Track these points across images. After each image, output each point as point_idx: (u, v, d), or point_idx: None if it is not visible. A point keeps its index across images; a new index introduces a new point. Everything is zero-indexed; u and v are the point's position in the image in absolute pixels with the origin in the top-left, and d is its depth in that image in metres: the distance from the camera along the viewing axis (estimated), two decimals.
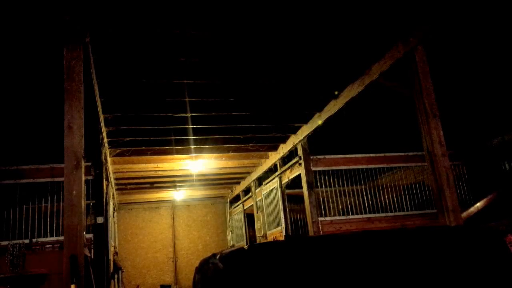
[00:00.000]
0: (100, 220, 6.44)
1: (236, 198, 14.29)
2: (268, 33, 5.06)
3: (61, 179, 4.71)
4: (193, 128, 7.67)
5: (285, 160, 9.46)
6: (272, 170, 10.35)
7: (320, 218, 7.95)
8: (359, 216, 8.07)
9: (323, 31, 5.11)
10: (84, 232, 3.80)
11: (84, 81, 4.08)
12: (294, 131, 8.55)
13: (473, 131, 8.57)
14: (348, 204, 8.12)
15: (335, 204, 8.14)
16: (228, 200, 15.52)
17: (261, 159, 10.61)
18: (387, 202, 8.26)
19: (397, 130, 8.44)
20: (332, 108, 7.14)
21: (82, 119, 3.96)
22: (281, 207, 9.65)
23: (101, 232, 6.56)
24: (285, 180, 9.49)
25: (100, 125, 6.63)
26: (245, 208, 13.28)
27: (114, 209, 11.75)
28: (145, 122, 7.33)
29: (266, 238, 10.74)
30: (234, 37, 5.10)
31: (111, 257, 8.22)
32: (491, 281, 2.02)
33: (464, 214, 5.85)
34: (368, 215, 8.10)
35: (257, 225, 11.53)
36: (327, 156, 8.37)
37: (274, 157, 9.90)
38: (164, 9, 4.39)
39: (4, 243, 6.09)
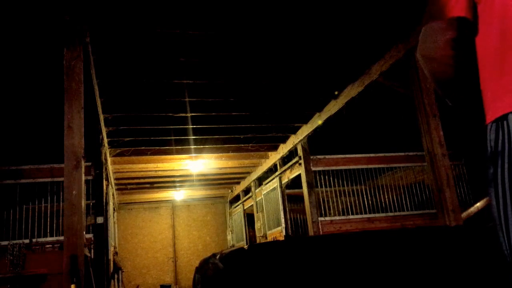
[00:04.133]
0: (100, 220, 6.43)
1: (236, 198, 14.29)
2: (269, 33, 5.06)
3: (61, 179, 4.71)
4: (193, 128, 7.67)
5: (285, 160, 9.46)
6: (272, 170, 10.35)
7: (320, 218, 7.95)
8: (359, 216, 8.07)
9: (323, 31, 5.11)
10: (84, 232, 3.80)
11: (84, 81, 4.08)
12: (294, 131, 8.55)
13: (474, 131, 8.57)
14: (348, 204, 8.12)
15: (335, 204, 8.14)
16: (228, 200, 15.52)
17: (261, 159, 10.61)
18: (387, 202, 8.26)
19: (397, 130, 8.44)
20: (332, 108, 7.14)
21: (82, 119, 3.96)
22: (281, 207, 9.65)
23: (101, 232, 6.55)
24: (285, 180, 9.49)
25: (100, 125, 6.63)
26: (245, 208, 13.28)
27: (114, 209, 11.75)
28: (145, 122, 7.33)
29: (266, 238, 10.74)
30: (234, 37, 5.10)
31: (111, 257, 8.22)
32: (490, 280, 2.02)
33: (464, 214, 5.85)
34: (368, 215, 8.10)
35: (257, 225, 11.53)
36: (327, 156, 8.37)
37: (274, 157, 9.90)
38: (164, 9, 4.39)
39: (4, 243, 6.09)
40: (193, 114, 7.03)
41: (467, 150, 8.76)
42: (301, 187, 8.50)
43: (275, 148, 9.61)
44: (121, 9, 4.35)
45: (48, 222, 6.63)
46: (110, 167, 9.09)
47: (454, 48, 1.28)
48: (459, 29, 1.27)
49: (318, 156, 8.32)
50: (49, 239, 6.53)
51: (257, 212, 11.54)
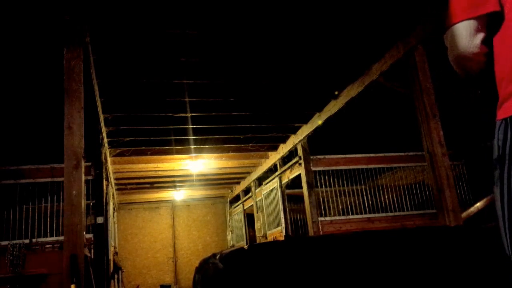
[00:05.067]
0: (100, 220, 6.44)
1: (236, 198, 14.29)
2: (269, 33, 5.06)
3: (61, 179, 4.71)
4: (193, 128, 7.67)
5: (285, 160, 9.46)
6: (272, 170, 10.34)
7: (320, 218, 7.94)
8: (359, 216, 8.06)
9: (323, 31, 5.11)
10: (84, 232, 3.80)
11: (84, 81, 4.08)
12: (294, 131, 8.55)
13: (473, 131, 8.57)
14: (348, 204, 8.12)
15: (335, 204, 8.14)
16: (228, 200, 15.52)
17: (261, 159, 10.61)
18: (387, 202, 8.26)
19: (397, 130, 8.43)
20: (332, 108, 7.14)
21: (82, 119, 3.96)
22: (281, 207, 9.65)
23: (101, 232, 6.55)
24: (285, 180, 9.49)
25: (100, 125, 6.63)
26: (245, 208, 13.28)
27: (114, 209, 11.75)
28: (145, 122, 7.33)
29: (266, 238, 10.74)
30: (234, 37, 5.10)
31: (111, 257, 8.22)
32: (490, 280, 2.02)
33: (464, 214, 5.85)
34: (368, 215, 8.10)
35: (257, 225, 11.53)
36: (327, 156, 8.37)
37: (274, 157, 9.90)
38: (164, 9, 4.39)
39: (4, 243, 6.09)
40: (193, 114, 7.03)
41: (467, 150, 8.76)
42: (301, 187, 8.49)
43: (275, 148, 9.61)
44: (121, 9, 4.35)
45: (48, 222, 6.62)
46: (110, 167, 9.09)
47: (489, 46, 1.30)
48: (491, 26, 1.28)
49: (318, 156, 8.32)
50: (49, 239, 6.53)
51: (257, 212, 11.54)
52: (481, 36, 1.29)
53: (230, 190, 14.80)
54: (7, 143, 7.28)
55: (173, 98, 6.50)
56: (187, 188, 13.50)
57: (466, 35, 1.30)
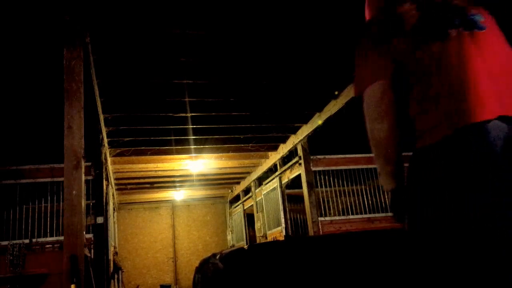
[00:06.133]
0: (100, 220, 6.43)
1: (236, 198, 14.29)
2: (269, 33, 5.06)
3: (61, 179, 4.71)
4: (193, 128, 7.67)
5: (285, 160, 9.46)
6: (272, 170, 10.34)
7: (320, 218, 7.94)
8: (359, 216, 8.07)
9: (323, 31, 5.12)
10: (84, 232, 3.80)
11: (84, 81, 4.08)
12: (294, 131, 8.55)
13: None
14: (348, 204, 8.12)
15: (335, 204, 8.14)
16: (228, 200, 15.52)
17: (261, 159, 10.61)
18: (387, 202, 8.26)
19: (397, 130, 8.42)
20: (332, 108, 7.14)
21: (82, 119, 3.95)
22: (281, 207, 9.65)
23: (101, 232, 6.55)
24: (285, 180, 9.49)
25: (100, 125, 6.63)
26: (245, 208, 13.28)
27: (114, 209, 11.75)
28: (145, 122, 7.33)
29: (266, 238, 10.74)
30: (234, 37, 5.11)
31: (111, 257, 8.22)
32: (489, 280, 2.02)
33: None
34: (368, 215, 8.10)
35: (257, 225, 11.53)
36: (327, 156, 8.37)
37: (274, 157, 9.90)
38: (164, 9, 4.40)
39: (4, 243, 6.09)
40: (193, 114, 7.03)
41: None
42: (301, 187, 8.50)
43: (275, 148, 9.61)
44: (121, 9, 4.36)
45: (48, 222, 6.62)
46: (110, 167, 9.09)
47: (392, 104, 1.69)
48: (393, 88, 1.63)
49: (318, 156, 8.32)
50: (49, 239, 6.52)
51: (257, 212, 11.54)
52: (389, 97, 1.64)
53: (230, 190, 14.80)
54: (7, 143, 7.28)
55: (173, 98, 6.50)
56: (187, 188, 13.50)
57: (378, 95, 1.63)
